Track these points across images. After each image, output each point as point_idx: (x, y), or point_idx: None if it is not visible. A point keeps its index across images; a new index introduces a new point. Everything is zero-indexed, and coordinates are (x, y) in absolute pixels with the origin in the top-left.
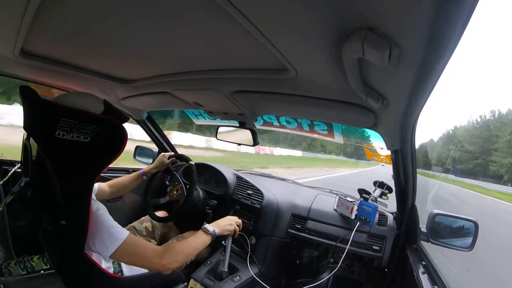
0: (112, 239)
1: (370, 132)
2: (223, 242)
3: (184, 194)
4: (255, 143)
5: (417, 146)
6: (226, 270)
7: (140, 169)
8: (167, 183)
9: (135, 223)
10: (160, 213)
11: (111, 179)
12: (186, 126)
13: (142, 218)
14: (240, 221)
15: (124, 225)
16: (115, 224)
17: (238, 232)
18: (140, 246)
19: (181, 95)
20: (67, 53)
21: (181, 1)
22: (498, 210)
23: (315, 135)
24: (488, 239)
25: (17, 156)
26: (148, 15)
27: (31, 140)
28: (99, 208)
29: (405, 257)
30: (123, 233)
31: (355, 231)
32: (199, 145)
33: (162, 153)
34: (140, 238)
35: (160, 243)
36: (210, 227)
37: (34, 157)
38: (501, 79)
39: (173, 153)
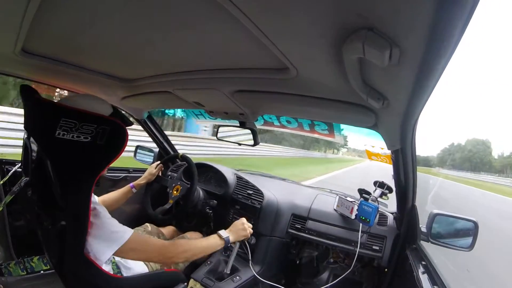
0: (114, 239)
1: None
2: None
3: (186, 187)
4: (256, 142)
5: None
6: (228, 272)
7: (142, 169)
8: (168, 190)
9: (138, 230)
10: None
11: (112, 179)
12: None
13: (147, 225)
14: (250, 224)
15: None
16: (116, 223)
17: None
18: (146, 243)
19: (181, 94)
20: (68, 52)
21: (182, 0)
22: None
23: (316, 135)
24: None
25: None
26: (149, 14)
27: (31, 139)
28: (99, 209)
29: (405, 257)
30: (126, 232)
31: (356, 231)
32: None
33: (150, 166)
34: (145, 234)
35: None
36: (225, 233)
37: (34, 157)
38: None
39: (159, 161)
